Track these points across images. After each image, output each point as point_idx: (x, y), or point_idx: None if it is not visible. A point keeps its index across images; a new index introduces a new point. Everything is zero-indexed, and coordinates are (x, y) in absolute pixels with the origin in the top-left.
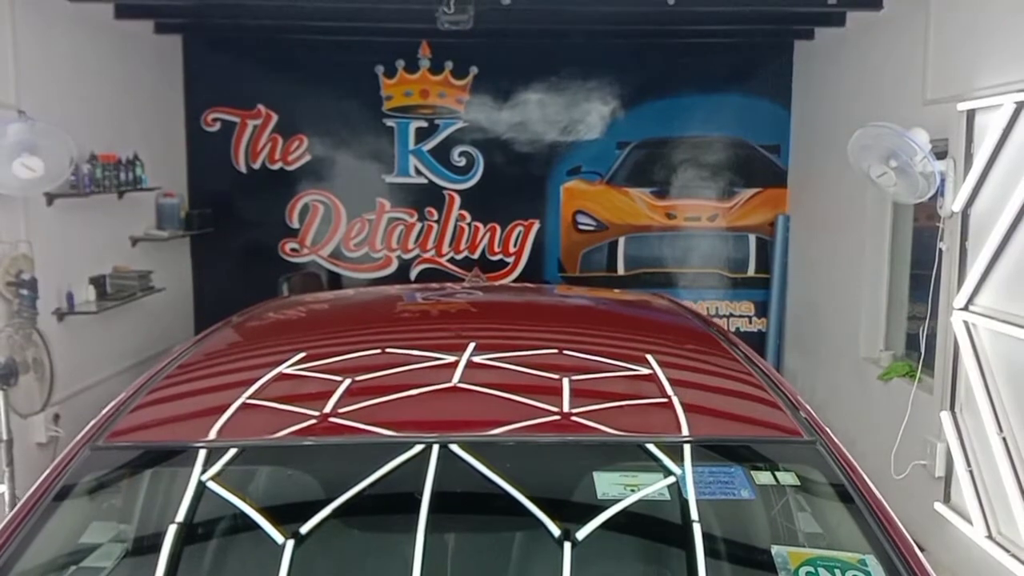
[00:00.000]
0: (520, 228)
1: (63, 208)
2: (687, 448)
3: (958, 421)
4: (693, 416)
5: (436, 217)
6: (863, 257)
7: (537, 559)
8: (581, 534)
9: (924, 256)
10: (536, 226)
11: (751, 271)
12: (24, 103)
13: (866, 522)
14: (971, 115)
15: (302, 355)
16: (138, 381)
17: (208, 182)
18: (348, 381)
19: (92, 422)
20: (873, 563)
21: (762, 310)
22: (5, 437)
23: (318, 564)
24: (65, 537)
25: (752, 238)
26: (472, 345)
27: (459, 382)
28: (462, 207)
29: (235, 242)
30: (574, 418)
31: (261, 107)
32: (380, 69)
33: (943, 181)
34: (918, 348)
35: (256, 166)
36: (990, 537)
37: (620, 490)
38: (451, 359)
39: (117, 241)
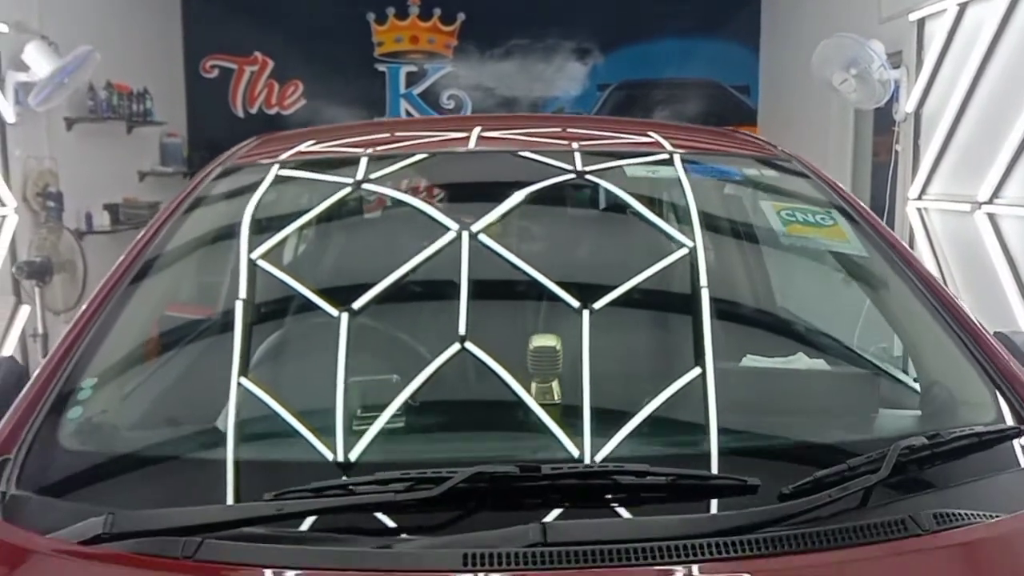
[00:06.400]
0: None
1: (81, 133)
2: (690, 157)
3: None
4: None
5: None
6: None
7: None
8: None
9: (882, 190)
10: None
11: None
12: (47, 29)
13: (833, 197)
14: (921, 23)
15: (312, 141)
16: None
17: (207, 126)
18: (369, 151)
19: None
20: (836, 214)
21: None
22: (41, 331)
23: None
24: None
25: None
26: (478, 128)
27: (474, 147)
28: None
29: None
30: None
31: (257, 54)
32: (371, 16)
33: (898, 88)
34: None
35: (253, 111)
36: None
37: (639, 171)
38: (462, 135)
39: (126, 174)
